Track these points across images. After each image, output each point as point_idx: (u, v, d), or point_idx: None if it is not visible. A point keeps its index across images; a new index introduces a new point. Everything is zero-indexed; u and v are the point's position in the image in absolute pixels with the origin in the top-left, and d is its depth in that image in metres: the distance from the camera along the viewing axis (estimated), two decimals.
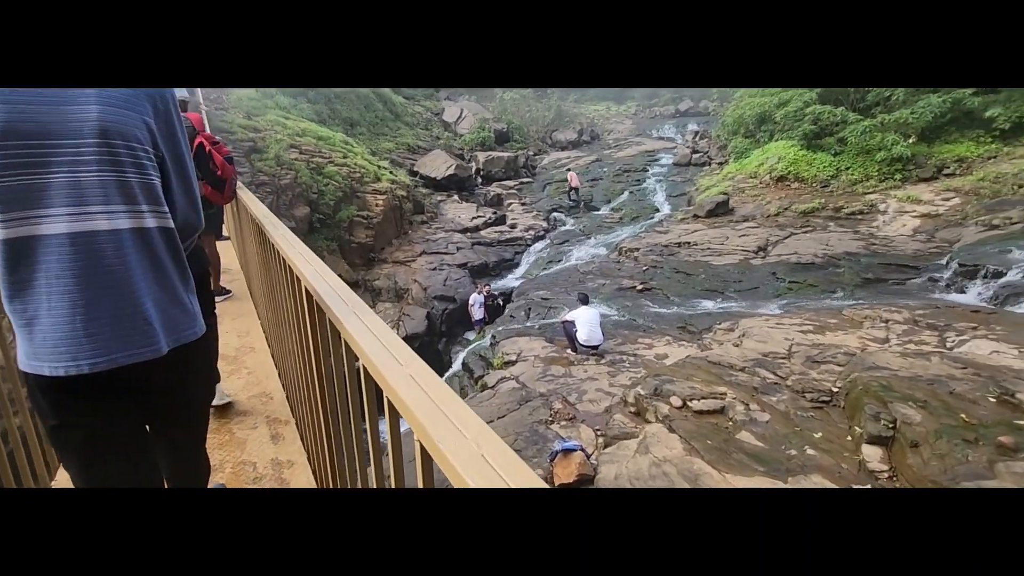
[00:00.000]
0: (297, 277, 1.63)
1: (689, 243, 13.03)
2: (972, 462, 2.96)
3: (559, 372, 7.25)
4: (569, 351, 7.91)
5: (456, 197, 20.02)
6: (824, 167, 14.80)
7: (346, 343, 1.14)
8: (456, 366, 10.16)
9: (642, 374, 6.61)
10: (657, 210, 18.39)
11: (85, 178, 1.05)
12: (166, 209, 1.19)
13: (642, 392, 5.29)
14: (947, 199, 12.07)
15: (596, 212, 19.38)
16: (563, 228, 18.09)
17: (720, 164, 20.56)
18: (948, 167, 13.02)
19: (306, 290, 1.50)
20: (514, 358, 8.04)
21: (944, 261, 9.00)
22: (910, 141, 13.27)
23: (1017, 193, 11.07)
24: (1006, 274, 7.61)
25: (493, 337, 9.43)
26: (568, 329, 7.86)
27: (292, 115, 17.24)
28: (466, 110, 28.75)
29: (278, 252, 2.12)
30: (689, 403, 4.85)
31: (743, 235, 12.86)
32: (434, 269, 14.10)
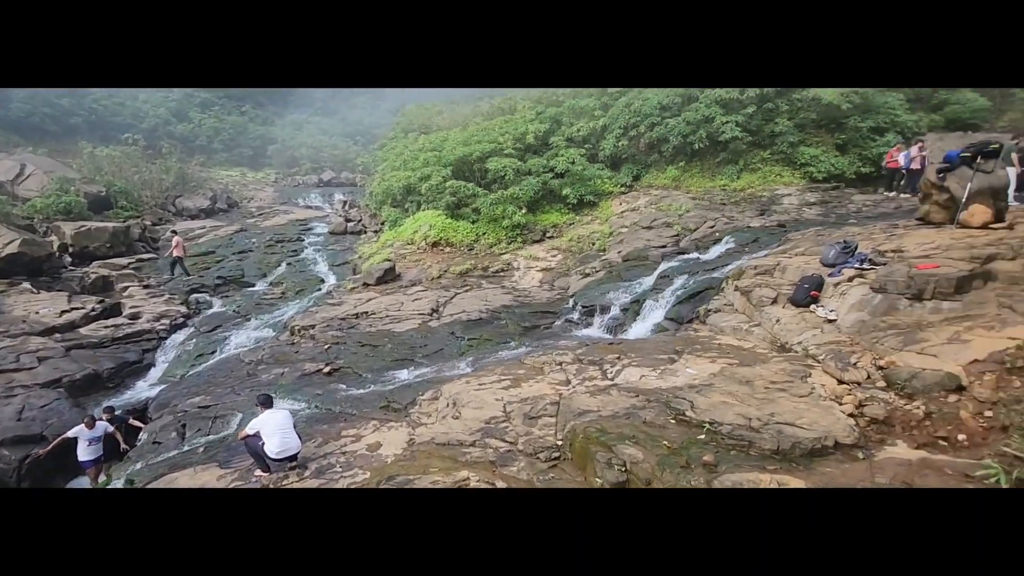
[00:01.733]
0: None
1: (367, 313, 12.66)
2: (695, 486, 3.52)
3: None
4: (260, 472, 6.19)
5: (28, 285, 14.04)
6: (467, 233, 17.11)
7: None
8: None
9: (364, 477, 5.67)
10: (323, 281, 17.45)
11: None
12: None
13: None
14: (554, 256, 15.66)
15: (251, 288, 16.92)
16: (211, 312, 14.98)
17: (376, 232, 21.30)
18: (548, 232, 17.03)
19: None
20: None
21: (571, 304, 11.47)
22: (523, 212, 16.75)
23: (592, 249, 15.30)
24: (611, 310, 10.22)
25: (130, 483, 6.61)
26: (251, 445, 6.16)
27: None
28: (32, 165, 21.14)
29: None
30: None
31: (416, 299, 13.37)
32: None
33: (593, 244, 15.49)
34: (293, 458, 6.25)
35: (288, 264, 19.08)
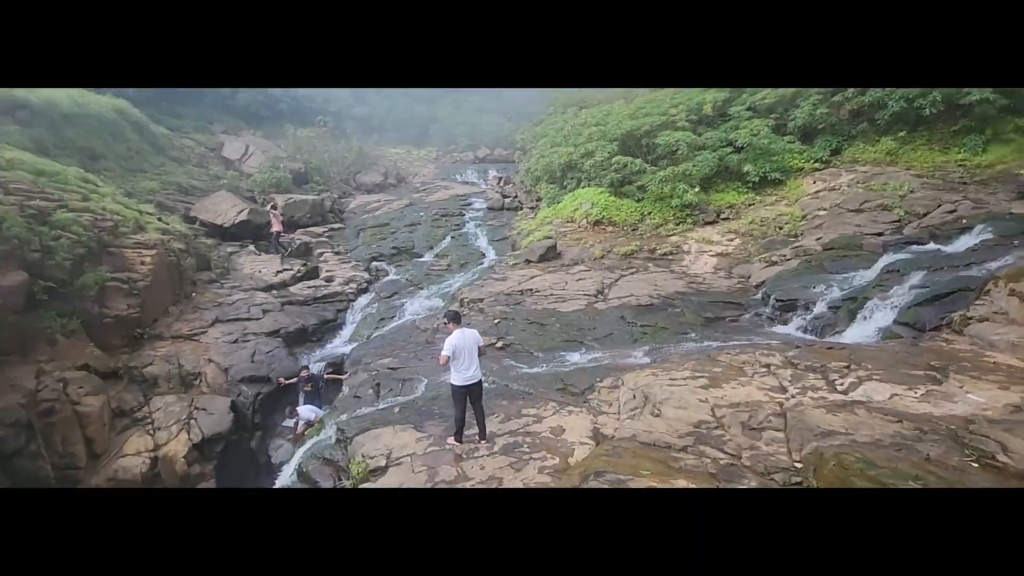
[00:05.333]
0: None
1: (532, 290, 12.71)
2: None
3: (450, 475, 5.73)
4: (452, 440, 6.43)
5: (252, 248, 16.67)
6: (631, 212, 16.27)
7: None
8: (289, 476, 7.64)
9: (554, 463, 5.54)
10: (484, 255, 18.04)
11: None
12: None
13: None
14: (731, 240, 14.17)
15: (420, 259, 18.14)
16: (388, 279, 16.37)
17: (532, 208, 21.40)
18: (723, 212, 15.44)
19: None
20: (383, 462, 6.20)
21: (760, 297, 10.22)
22: (696, 190, 15.39)
23: (779, 234, 13.51)
24: (814, 307, 8.83)
25: (340, 431, 7.35)
26: (458, 407, 6.28)
27: None
28: (253, 146, 24.98)
29: None
30: None
31: (579, 279, 13.08)
32: (236, 341, 11.03)
33: (780, 228, 13.67)
34: (476, 385, 6.19)
35: (452, 238, 20.06)
